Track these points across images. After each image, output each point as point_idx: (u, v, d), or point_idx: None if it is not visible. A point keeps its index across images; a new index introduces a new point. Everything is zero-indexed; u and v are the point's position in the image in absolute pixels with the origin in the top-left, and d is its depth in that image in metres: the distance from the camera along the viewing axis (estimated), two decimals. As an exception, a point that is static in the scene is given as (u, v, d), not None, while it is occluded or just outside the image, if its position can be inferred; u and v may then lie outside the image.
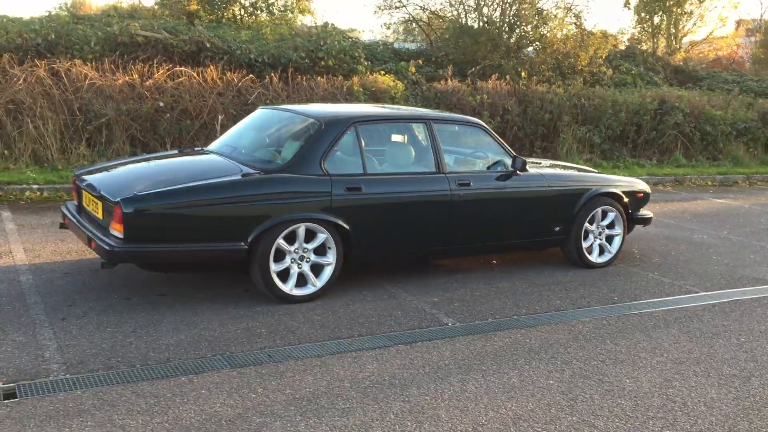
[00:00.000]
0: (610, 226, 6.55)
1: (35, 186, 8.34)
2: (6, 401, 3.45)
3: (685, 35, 25.20)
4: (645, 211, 6.95)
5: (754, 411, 3.75)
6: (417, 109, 6.72)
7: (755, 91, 18.72)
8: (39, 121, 9.23)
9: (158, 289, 5.19)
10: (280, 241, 4.91)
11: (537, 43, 16.33)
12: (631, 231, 6.93)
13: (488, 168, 5.98)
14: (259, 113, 6.21)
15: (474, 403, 3.68)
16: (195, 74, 10.61)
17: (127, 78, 10.12)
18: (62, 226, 5.55)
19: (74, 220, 5.17)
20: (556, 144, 13.33)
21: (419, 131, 5.79)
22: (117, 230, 4.57)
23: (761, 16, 34.17)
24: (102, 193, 4.80)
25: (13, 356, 3.95)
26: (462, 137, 6.13)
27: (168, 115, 10.04)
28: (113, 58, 10.76)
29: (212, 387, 3.71)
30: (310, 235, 5.06)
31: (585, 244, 6.38)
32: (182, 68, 10.67)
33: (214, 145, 6.00)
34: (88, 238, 4.80)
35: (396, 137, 5.94)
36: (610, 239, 6.57)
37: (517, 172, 5.94)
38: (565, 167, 7.18)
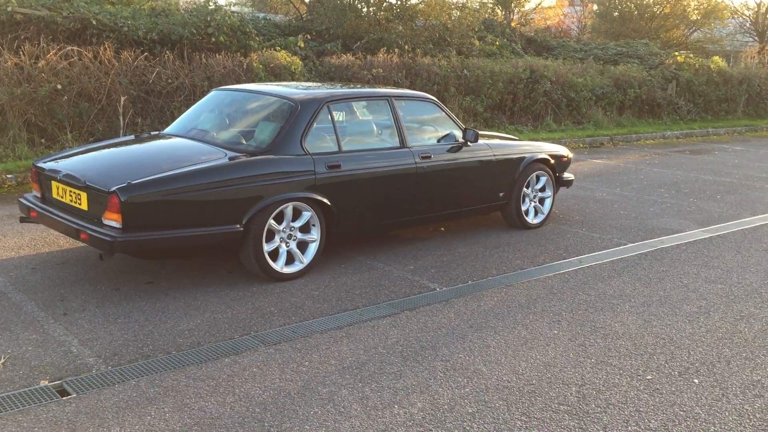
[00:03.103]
0: (542, 189, 7.14)
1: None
2: (63, 398, 3.41)
3: (519, 6, 26.79)
4: (568, 174, 7.60)
5: (727, 339, 4.41)
6: (375, 87, 6.90)
7: (602, 58, 20.32)
8: (-76, 109, 8.50)
9: (142, 278, 5.13)
10: (271, 222, 5.02)
11: (408, 14, 16.72)
12: (557, 193, 7.56)
13: (439, 140, 6.32)
14: (215, 95, 6.16)
15: (504, 356, 4.05)
16: (87, 54, 10.10)
17: (15, 60, 9.48)
18: (24, 219, 5.31)
19: (48, 213, 4.97)
20: (444, 114, 13.88)
21: (382, 108, 6.01)
22: (114, 220, 4.49)
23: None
24: (88, 183, 4.67)
25: (40, 354, 3.86)
26: (415, 112, 6.40)
27: (66, 97, 9.53)
28: (-7, 38, 10.03)
29: (261, 365, 3.83)
30: (296, 214, 5.20)
31: (523, 207, 6.92)
32: (73, 47, 10.12)
33: (173, 129, 5.92)
34: (75, 230, 4.66)
35: (361, 114, 6.13)
36: (542, 201, 7.17)
37: (468, 143, 6.34)
38: (494, 137, 7.65)
